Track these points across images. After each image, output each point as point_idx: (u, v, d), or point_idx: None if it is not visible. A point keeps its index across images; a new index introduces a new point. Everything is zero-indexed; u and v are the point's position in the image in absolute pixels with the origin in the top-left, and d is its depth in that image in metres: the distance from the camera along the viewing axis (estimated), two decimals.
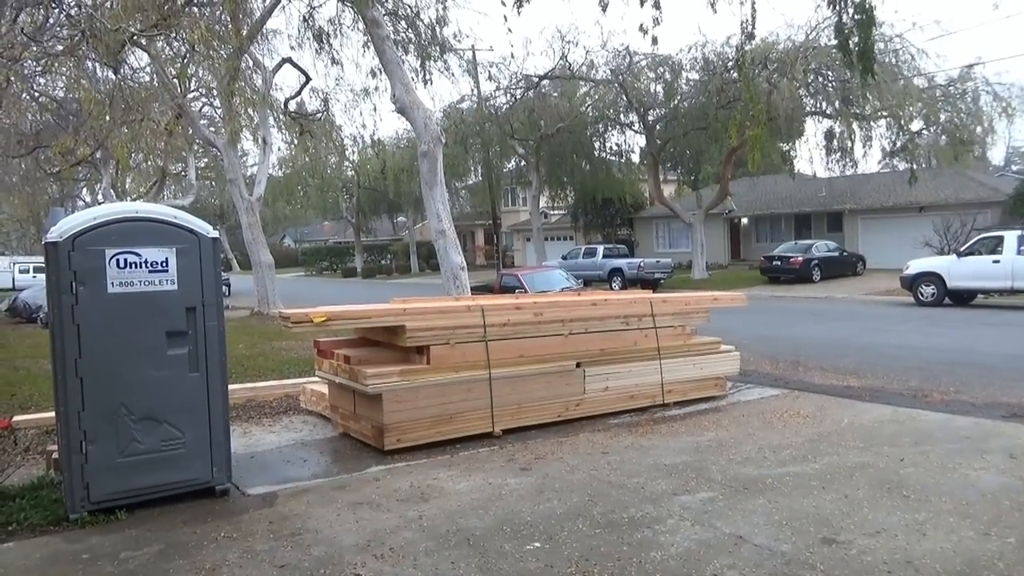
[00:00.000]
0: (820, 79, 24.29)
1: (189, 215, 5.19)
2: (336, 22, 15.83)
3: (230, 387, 8.73)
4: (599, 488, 5.22)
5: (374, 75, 18.66)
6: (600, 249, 29.35)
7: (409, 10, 16.55)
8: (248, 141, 28.07)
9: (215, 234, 5.18)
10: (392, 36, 12.54)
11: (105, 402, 4.77)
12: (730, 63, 23.59)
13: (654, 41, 7.17)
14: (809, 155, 67.04)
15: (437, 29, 17.01)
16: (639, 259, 27.47)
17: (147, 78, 20.18)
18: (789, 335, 14.65)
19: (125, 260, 4.80)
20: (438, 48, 17.38)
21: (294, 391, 8.62)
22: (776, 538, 4.20)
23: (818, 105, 25.91)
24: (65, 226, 4.73)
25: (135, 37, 9.97)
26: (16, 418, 7.30)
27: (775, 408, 7.81)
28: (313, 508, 4.95)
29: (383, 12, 16.99)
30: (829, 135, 26.20)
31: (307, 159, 30.28)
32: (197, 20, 10.75)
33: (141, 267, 4.86)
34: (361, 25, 15.47)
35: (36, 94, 22.05)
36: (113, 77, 10.87)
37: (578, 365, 7.36)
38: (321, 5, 16.41)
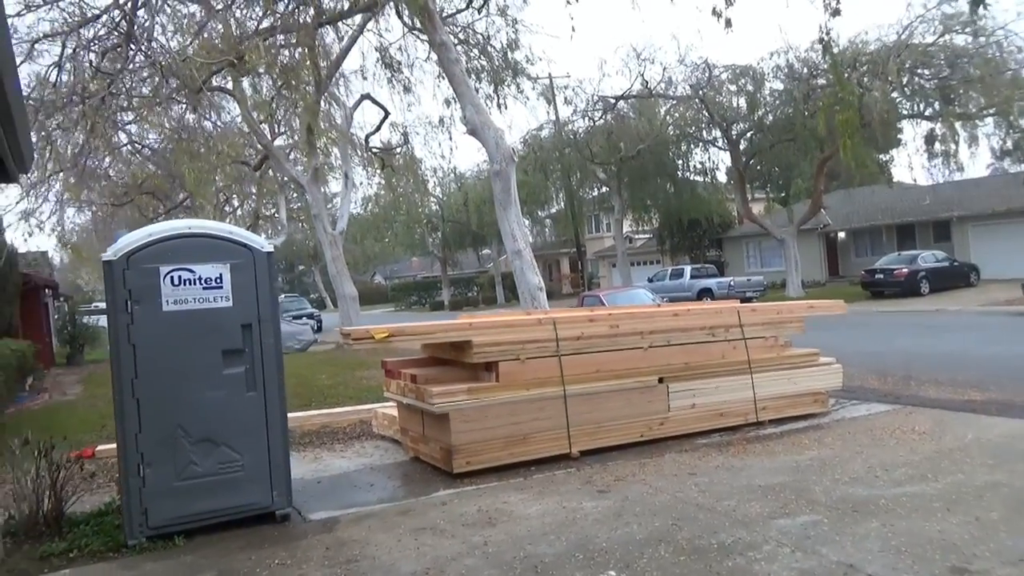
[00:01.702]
0: (916, 79, 22.87)
1: (244, 230, 5.07)
2: (404, 49, 15.98)
3: (305, 414, 8.70)
4: (685, 511, 4.70)
5: (448, 104, 18.82)
6: (687, 269, 28.41)
7: (480, 37, 16.64)
8: (335, 181, 28.90)
9: (270, 248, 5.03)
10: (460, 59, 12.48)
11: (162, 424, 4.64)
12: (815, 68, 22.52)
13: (728, 24, 6.71)
14: (908, 161, 63.45)
15: (508, 53, 17.03)
16: (729, 278, 26.39)
17: (233, 119, 21.04)
18: (897, 349, 13.52)
19: (179, 277, 4.69)
20: (510, 72, 17.36)
21: (368, 416, 8.43)
22: (894, 567, 3.58)
23: (916, 107, 24.38)
24: (120, 245, 4.67)
25: (213, 74, 10.31)
26: (100, 447, 7.39)
27: (885, 424, 7.03)
28: (374, 534, 4.64)
29: (455, 41, 17.18)
30: (930, 138, 24.52)
31: (391, 195, 30.89)
32: (274, 60, 11.04)
33: (195, 284, 4.74)
34: (434, 56, 15.65)
35: (136, 143, 23.34)
36: (193, 117, 11.25)
37: (660, 381, 6.85)
38: (396, 41, 16.57)
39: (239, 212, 34.54)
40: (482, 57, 17.33)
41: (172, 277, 4.68)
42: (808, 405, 7.67)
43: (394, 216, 46.01)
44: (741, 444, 6.62)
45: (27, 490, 4.96)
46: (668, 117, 28.84)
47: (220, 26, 9.93)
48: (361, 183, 25.27)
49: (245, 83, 18.49)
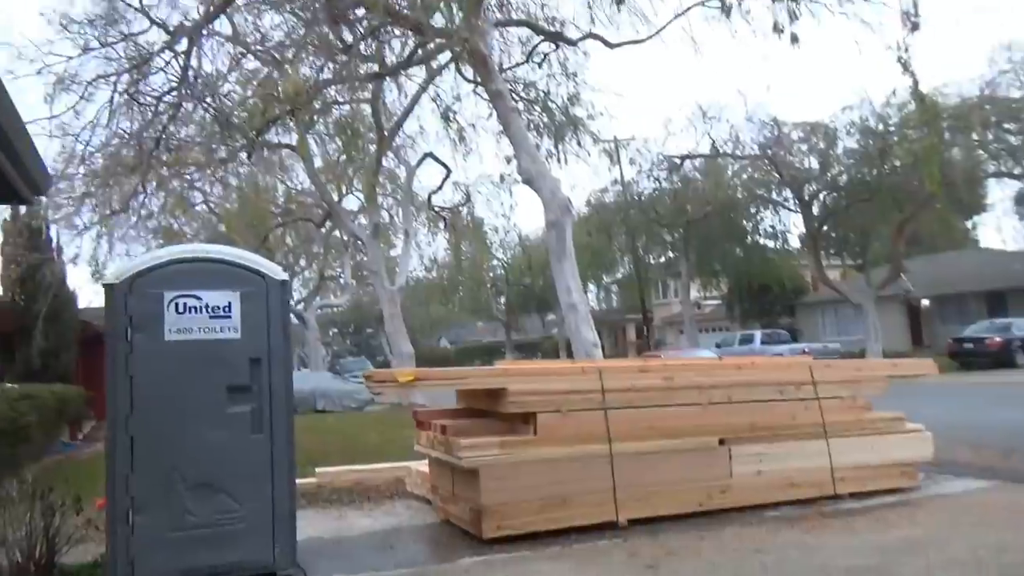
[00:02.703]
0: (1004, 133, 21.59)
1: (257, 256, 4.72)
2: (458, 97, 15.93)
3: (337, 469, 8.18)
4: None
5: (508, 161, 18.68)
6: (758, 335, 27.13)
7: (540, 92, 16.52)
8: (399, 241, 29.23)
9: (284, 276, 4.65)
10: (517, 107, 12.29)
11: (156, 465, 4.22)
12: (891, 123, 21.52)
13: (793, 39, 6.20)
14: (997, 223, 60.16)
15: (569, 108, 16.84)
16: (802, 344, 25.02)
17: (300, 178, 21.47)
18: (992, 421, 12.16)
19: (185, 304, 4.34)
20: (571, 127, 17.14)
21: (404, 474, 7.86)
22: None
23: (1003, 166, 23.00)
24: (124, 267, 4.37)
25: (269, 123, 10.39)
26: None
27: (989, 502, 6.08)
28: None
29: (514, 96, 17.13)
30: (1020, 199, 23.04)
31: (454, 256, 30.96)
32: (329, 110, 11.11)
33: (201, 312, 4.38)
34: (493, 110, 15.61)
35: (208, 201, 24.06)
36: (253, 171, 11.30)
37: (721, 442, 6.09)
38: (461, 97, 16.63)
39: (306, 273, 35.22)
40: (543, 113, 17.21)
41: (177, 304, 4.32)
42: (894, 478, 6.74)
43: (459, 280, 46.25)
44: (816, 519, 5.77)
45: (18, 536, 4.58)
46: (736, 178, 28.10)
47: (276, 73, 9.99)
48: (427, 244, 25.37)
49: (312, 142, 18.92)
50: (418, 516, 6.35)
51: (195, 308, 4.37)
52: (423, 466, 7.06)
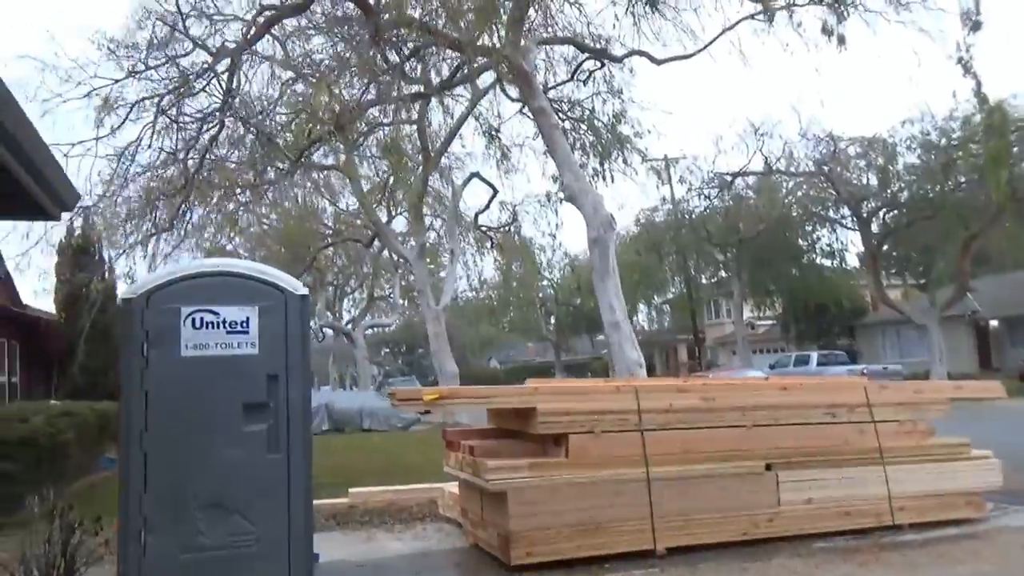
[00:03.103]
0: None
1: (276, 270, 4.61)
2: (499, 114, 15.85)
3: (371, 489, 8.02)
4: None
5: (554, 180, 18.54)
6: (814, 356, 26.12)
7: (586, 110, 16.35)
8: (448, 259, 29.34)
9: (304, 291, 4.52)
10: (559, 124, 12.13)
11: (170, 484, 4.11)
12: (954, 137, 20.58)
13: (841, 41, 5.87)
14: None
15: (616, 125, 16.61)
16: (861, 365, 24.01)
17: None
18: None
19: (202, 319, 4.24)
20: (617, 146, 16.90)
21: (438, 495, 7.66)
22: None
23: None
24: (141, 282, 4.31)
25: (312, 143, 10.47)
26: None
27: None
28: None
29: (563, 117, 17.00)
30: None
31: (502, 276, 30.93)
32: (373, 130, 11.15)
33: (219, 327, 4.28)
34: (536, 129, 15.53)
35: (263, 223, 24.50)
36: (302, 193, 11.40)
37: (768, 468, 5.73)
38: (505, 120, 16.59)
39: (356, 294, 35.59)
40: (589, 132, 17.03)
41: (194, 319, 4.23)
42: (959, 508, 6.25)
43: (508, 299, 46.27)
44: (872, 552, 5.36)
45: (38, 553, 4.52)
46: (790, 195, 27.32)
47: (324, 97, 10.07)
48: (474, 264, 25.32)
49: (359, 163, 19.12)
50: (448, 540, 6.13)
51: (212, 323, 4.27)
52: (455, 487, 6.86)
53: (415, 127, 17.24)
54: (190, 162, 9.10)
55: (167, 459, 4.12)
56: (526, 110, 16.87)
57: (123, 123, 8.47)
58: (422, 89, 14.19)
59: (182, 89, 8.44)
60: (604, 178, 16.34)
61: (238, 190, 13.61)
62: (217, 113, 8.96)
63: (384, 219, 23.21)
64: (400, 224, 25.03)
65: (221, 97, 8.91)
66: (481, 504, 5.53)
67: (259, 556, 4.19)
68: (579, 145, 16.91)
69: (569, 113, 16.71)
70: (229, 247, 23.62)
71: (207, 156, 9.15)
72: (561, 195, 16.15)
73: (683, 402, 5.64)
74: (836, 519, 5.86)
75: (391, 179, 20.49)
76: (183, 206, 9.62)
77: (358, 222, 25.94)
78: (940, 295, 28.65)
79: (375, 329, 43.18)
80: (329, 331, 36.24)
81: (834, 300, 33.30)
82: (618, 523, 5.26)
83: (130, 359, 4.15)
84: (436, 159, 18.63)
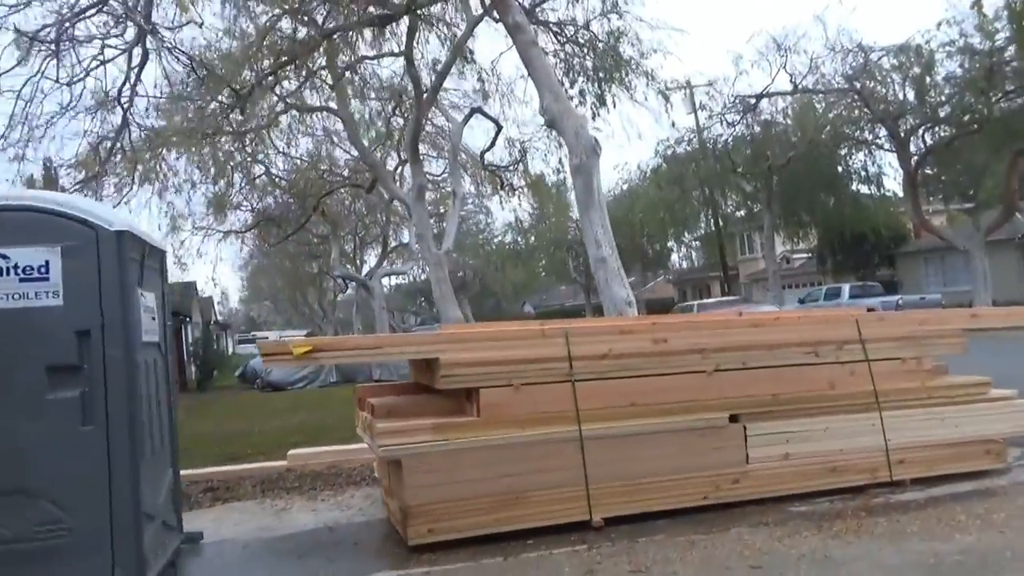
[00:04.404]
0: None
1: (86, 200, 3.76)
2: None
3: (314, 450, 7.31)
4: None
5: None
6: (846, 288, 24.63)
7: (579, 28, 15.02)
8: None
9: (123, 226, 3.68)
10: (537, 41, 10.93)
11: None
12: (998, 39, 18.49)
13: None
14: None
15: (616, 45, 15.27)
16: (897, 296, 22.50)
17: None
18: None
19: None
20: (620, 70, 15.57)
21: None
22: None
23: None
24: None
25: (266, 75, 9.52)
26: None
27: None
28: None
29: (562, 41, 15.70)
30: None
31: (529, 214, 29.85)
32: (333, 63, 10.07)
33: (9, 274, 3.47)
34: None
35: (274, 176, 23.77)
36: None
37: (733, 419, 4.81)
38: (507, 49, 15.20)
39: (375, 244, 34.81)
40: (590, 54, 15.72)
41: None
42: (976, 458, 5.28)
43: (532, 243, 45.34)
44: (855, 516, 4.44)
45: None
46: (820, 117, 25.35)
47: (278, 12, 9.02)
48: (501, 208, 24.26)
49: (354, 103, 18.17)
50: (371, 510, 5.37)
51: (2, 270, 3.46)
52: None
53: (406, 60, 16.14)
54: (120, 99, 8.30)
55: None
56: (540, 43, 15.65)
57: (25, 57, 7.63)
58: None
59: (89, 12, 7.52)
60: (604, 104, 15.12)
61: (217, 136, 12.78)
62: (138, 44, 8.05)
63: (393, 163, 22.34)
64: (406, 168, 24.07)
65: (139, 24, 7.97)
66: (388, 472, 4.74)
67: (75, 547, 3.46)
68: (577, 68, 15.68)
69: (563, 34, 15.41)
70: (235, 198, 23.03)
71: (133, 91, 8.29)
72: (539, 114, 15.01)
73: (626, 345, 4.71)
74: (821, 476, 4.95)
75: (387, 118, 19.56)
76: (116, 147, 8.78)
77: (362, 166, 25.04)
78: (986, 218, 26.70)
79: (397, 279, 42.62)
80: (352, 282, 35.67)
81: (872, 228, 31.46)
82: (545, 491, 4.42)
83: None
84: (432, 94, 17.52)
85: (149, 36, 8.03)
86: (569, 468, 4.46)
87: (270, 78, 9.75)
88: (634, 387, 4.66)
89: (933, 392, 5.28)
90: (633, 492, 4.56)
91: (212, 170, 16.92)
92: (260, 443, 8.54)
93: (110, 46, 8.07)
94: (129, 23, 7.94)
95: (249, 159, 20.64)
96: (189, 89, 9.04)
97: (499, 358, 4.45)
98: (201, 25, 8.85)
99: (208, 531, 4.85)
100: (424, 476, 4.20)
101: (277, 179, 24.45)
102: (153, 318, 4.08)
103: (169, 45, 8.37)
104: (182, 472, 5.13)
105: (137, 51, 8.03)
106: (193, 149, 10.18)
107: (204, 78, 8.94)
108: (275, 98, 14.84)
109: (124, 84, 8.18)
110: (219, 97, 9.48)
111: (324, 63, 14.58)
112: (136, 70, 8.13)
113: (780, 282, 34.63)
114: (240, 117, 11.42)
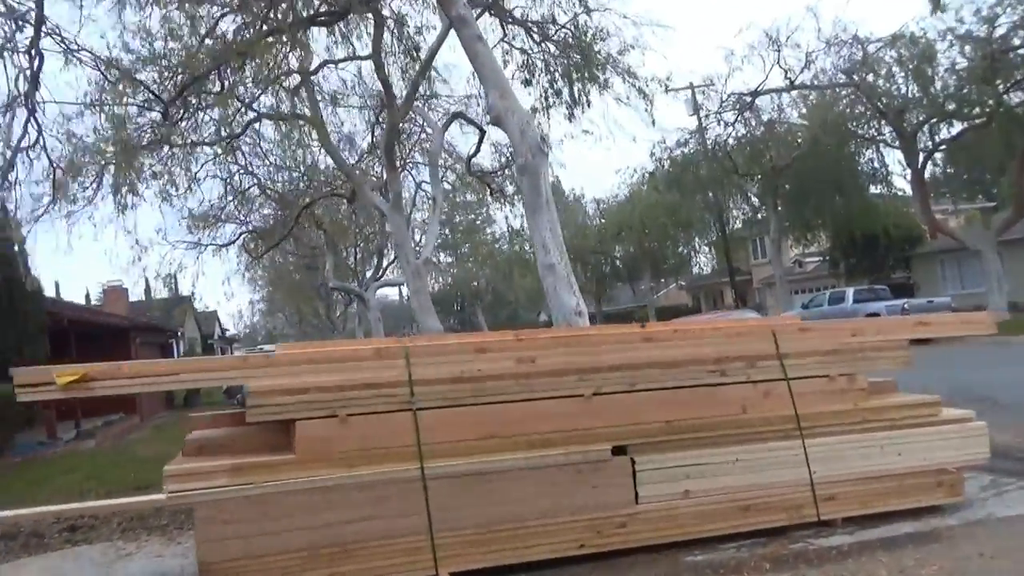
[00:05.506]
0: None
1: None
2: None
3: None
4: None
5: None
6: (850, 292, 23.50)
7: (547, 24, 14.35)
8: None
9: None
10: (482, 35, 10.24)
11: None
12: (999, 23, 17.39)
13: None
14: None
15: (591, 43, 14.58)
16: (902, 300, 21.40)
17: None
18: None
19: None
20: (594, 67, 14.86)
21: None
22: None
23: None
24: None
25: (200, 77, 8.92)
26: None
27: None
28: None
29: (536, 40, 15.05)
30: None
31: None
32: (265, 57, 9.45)
33: None
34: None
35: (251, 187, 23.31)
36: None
37: (619, 452, 4.07)
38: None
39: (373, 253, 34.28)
40: (563, 55, 15.04)
41: None
42: (925, 492, 4.51)
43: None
44: (756, 570, 3.67)
45: None
46: (820, 113, 24.32)
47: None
48: (505, 211, 23.49)
49: (325, 110, 17.62)
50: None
51: None
52: None
53: (376, 65, 15.56)
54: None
55: None
56: (516, 43, 15.10)
57: None
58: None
59: None
60: (577, 104, 14.41)
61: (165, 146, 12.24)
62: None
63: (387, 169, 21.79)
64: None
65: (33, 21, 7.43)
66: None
67: None
68: (553, 67, 15.05)
69: (540, 32, 14.75)
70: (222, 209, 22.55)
71: (31, 95, 7.73)
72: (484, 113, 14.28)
73: (484, 366, 3.98)
74: (730, 517, 4.19)
75: (374, 126, 19.05)
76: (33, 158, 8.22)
77: (341, 176, 24.49)
78: (999, 216, 25.48)
79: (386, 287, 41.99)
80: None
81: (884, 230, 30.29)
82: (380, 542, 3.70)
83: None
84: (407, 101, 16.92)
85: (47, 36, 7.51)
86: (410, 514, 3.74)
87: (193, 84, 9.15)
88: (494, 415, 3.94)
89: (870, 415, 4.50)
90: (491, 541, 3.83)
91: (179, 184, 16.42)
92: None
93: (8, 48, 7.56)
94: (24, 22, 7.42)
95: (228, 168, 20.20)
96: (102, 95, 8.49)
97: (321, 384, 3.75)
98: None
99: None
100: (222, 527, 3.51)
101: (267, 190, 24.02)
102: None
103: (72, 47, 7.81)
104: (59, 507, 4.62)
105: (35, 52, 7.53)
106: (132, 163, 9.61)
107: (117, 80, 8.39)
108: (238, 103, 14.35)
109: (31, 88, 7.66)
110: (132, 102, 8.93)
111: (289, 68, 14.10)
112: (31, 72, 7.60)
113: (789, 287, 33.58)
114: (170, 124, 10.78)
